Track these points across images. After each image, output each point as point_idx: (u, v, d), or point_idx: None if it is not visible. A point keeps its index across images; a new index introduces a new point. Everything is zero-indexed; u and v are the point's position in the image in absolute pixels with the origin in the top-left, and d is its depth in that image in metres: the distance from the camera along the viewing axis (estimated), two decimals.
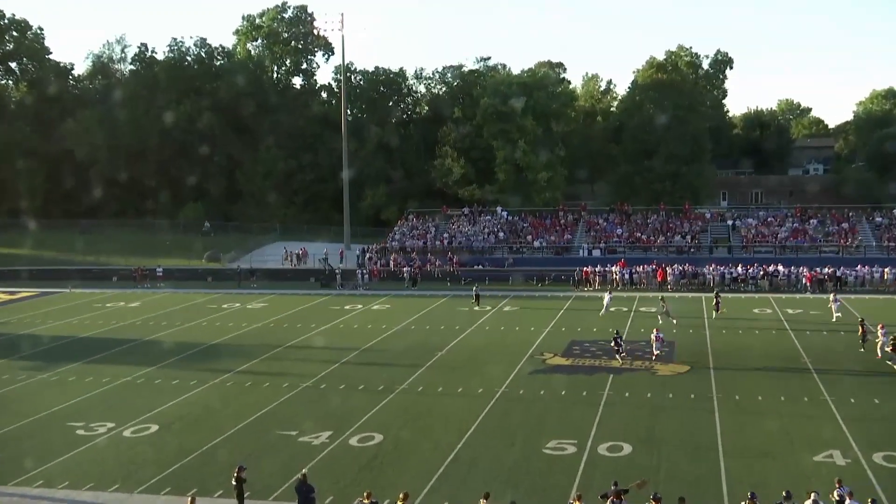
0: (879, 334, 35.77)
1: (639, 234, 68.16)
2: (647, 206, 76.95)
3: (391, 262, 67.14)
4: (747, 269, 57.79)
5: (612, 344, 36.15)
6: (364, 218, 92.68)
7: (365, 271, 64.39)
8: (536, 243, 68.90)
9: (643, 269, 59.12)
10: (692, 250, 65.55)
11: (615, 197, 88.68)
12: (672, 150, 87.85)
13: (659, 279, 57.63)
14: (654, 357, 35.64)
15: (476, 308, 50.13)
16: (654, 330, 37.30)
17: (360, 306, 53.52)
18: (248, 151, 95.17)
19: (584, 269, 60.07)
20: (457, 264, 65.56)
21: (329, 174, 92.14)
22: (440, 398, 30.89)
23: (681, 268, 58.90)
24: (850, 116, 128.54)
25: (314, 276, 66.33)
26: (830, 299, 46.52)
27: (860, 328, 37.99)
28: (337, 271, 64.02)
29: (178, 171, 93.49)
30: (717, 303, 46.64)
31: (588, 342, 40.05)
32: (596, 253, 66.68)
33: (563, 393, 31.05)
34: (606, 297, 47.91)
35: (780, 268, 57.69)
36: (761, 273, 57.29)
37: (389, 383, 33.02)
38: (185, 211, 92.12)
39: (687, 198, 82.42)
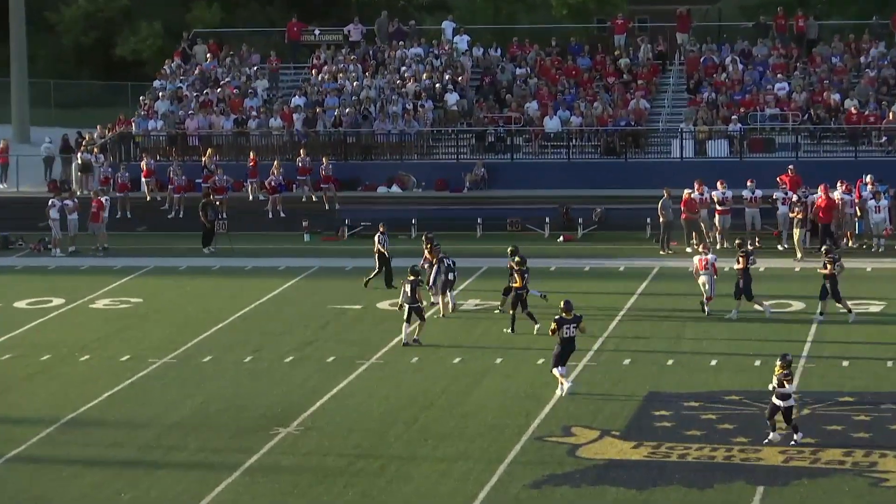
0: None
1: (824, 96, 69.08)
2: (853, 20, 78.45)
3: (143, 180, 68.05)
4: None
5: None
6: (67, 57, 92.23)
7: (71, 203, 64.30)
8: (551, 122, 69.95)
9: (837, 194, 59.39)
10: None
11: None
12: None
13: (878, 214, 58.14)
14: (705, 305, 48.64)
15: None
16: (701, 246, 51.22)
17: (59, 301, 54.24)
18: None
19: (686, 193, 60.41)
20: (331, 182, 66.64)
21: None
22: None
23: None
24: None
25: None
26: None
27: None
28: None
29: None
30: None
31: (692, 396, 40.74)
32: (715, 150, 68.12)
33: None
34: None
35: None
36: None
37: None
38: None
39: None
